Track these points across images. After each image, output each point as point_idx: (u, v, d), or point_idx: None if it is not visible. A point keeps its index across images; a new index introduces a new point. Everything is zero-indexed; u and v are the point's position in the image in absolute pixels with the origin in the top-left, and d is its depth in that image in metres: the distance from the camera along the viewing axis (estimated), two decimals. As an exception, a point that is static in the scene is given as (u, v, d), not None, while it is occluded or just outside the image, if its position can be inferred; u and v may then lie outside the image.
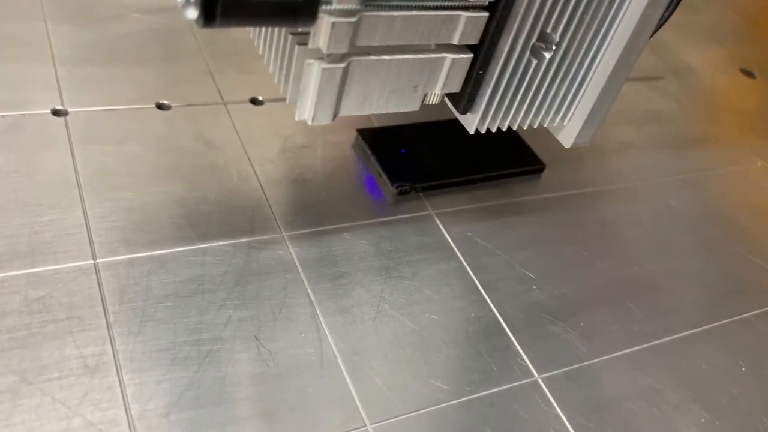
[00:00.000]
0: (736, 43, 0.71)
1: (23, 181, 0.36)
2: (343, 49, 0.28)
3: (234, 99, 0.45)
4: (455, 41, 0.31)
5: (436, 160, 0.44)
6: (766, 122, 0.60)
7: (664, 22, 0.35)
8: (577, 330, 0.38)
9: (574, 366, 0.36)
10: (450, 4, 0.29)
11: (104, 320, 0.31)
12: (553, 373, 0.35)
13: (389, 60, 0.30)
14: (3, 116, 0.39)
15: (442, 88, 0.33)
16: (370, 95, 0.32)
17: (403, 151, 0.44)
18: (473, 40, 0.31)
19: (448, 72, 0.32)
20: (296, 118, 0.31)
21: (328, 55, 0.29)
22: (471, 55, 0.32)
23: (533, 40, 0.32)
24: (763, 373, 0.39)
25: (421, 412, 0.32)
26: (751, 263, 0.45)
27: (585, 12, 0.32)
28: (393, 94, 0.32)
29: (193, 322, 0.32)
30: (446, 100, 0.34)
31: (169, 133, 0.41)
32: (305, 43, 0.29)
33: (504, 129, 0.35)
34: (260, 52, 0.34)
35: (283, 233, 0.38)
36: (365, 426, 0.31)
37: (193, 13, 0.24)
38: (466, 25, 0.30)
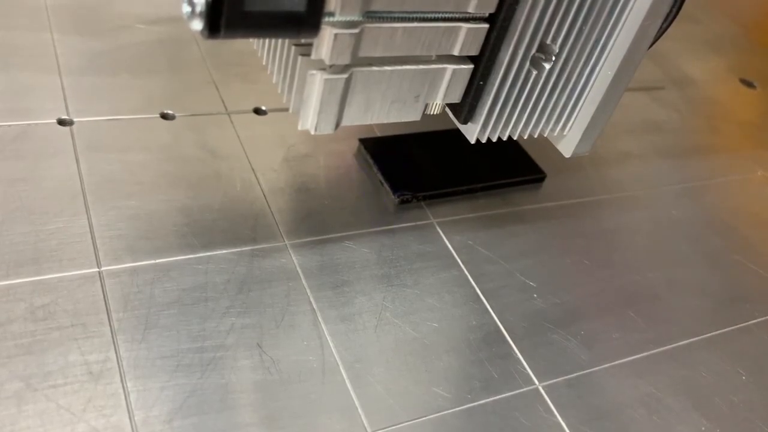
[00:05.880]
0: (736, 53, 0.72)
1: (29, 189, 0.36)
2: (345, 60, 0.29)
3: (238, 109, 0.45)
4: (456, 52, 0.31)
5: (437, 169, 0.45)
6: (766, 132, 0.61)
7: (662, 33, 0.35)
8: (578, 338, 0.38)
9: (575, 374, 0.36)
10: (451, 15, 0.30)
11: (108, 327, 0.31)
12: (554, 380, 0.35)
13: (391, 71, 0.31)
14: (9, 126, 0.39)
15: (443, 98, 0.33)
16: (372, 105, 0.32)
17: (404, 161, 0.44)
18: (474, 51, 0.31)
19: (449, 82, 0.32)
20: (299, 128, 0.32)
21: (331, 66, 0.29)
22: (471, 66, 0.32)
23: (533, 51, 0.32)
24: (763, 381, 0.39)
25: (422, 419, 0.32)
26: (752, 272, 0.46)
27: (584, 23, 0.32)
28: (395, 104, 0.32)
29: (197, 329, 0.33)
30: (447, 110, 0.35)
31: (173, 143, 0.41)
32: (308, 54, 0.29)
33: (504, 138, 0.36)
34: (264, 63, 0.34)
35: (286, 241, 0.38)
36: (367, 433, 0.31)
37: (198, 25, 0.24)
38: (467, 37, 0.30)
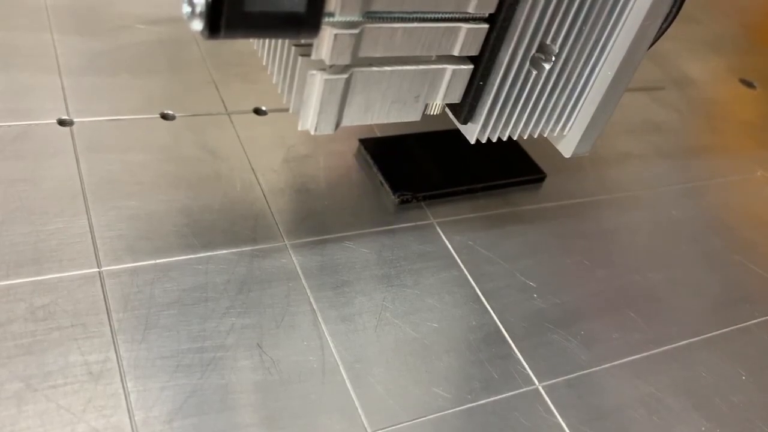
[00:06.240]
0: (736, 53, 0.72)
1: (29, 189, 0.36)
2: (345, 60, 0.29)
3: (238, 109, 0.45)
4: (456, 52, 0.31)
5: (437, 169, 0.45)
6: (766, 132, 0.61)
7: (662, 34, 0.36)
8: (578, 338, 0.38)
9: (575, 374, 0.36)
10: (450, 16, 0.30)
11: (108, 327, 0.31)
12: (554, 380, 0.35)
13: (391, 71, 0.31)
14: (9, 126, 0.39)
15: (443, 98, 0.33)
16: (372, 105, 0.32)
17: (404, 161, 0.44)
18: (473, 52, 0.31)
19: (448, 83, 0.32)
20: (299, 128, 0.32)
21: (331, 67, 0.29)
22: (471, 66, 0.32)
23: (533, 51, 0.32)
24: (763, 381, 0.39)
25: (422, 419, 0.32)
26: (752, 272, 0.46)
27: (584, 23, 0.32)
28: (395, 105, 0.32)
29: (197, 329, 0.33)
30: (447, 110, 0.35)
31: (173, 143, 0.41)
32: (308, 55, 0.29)
33: (504, 139, 0.36)
34: (264, 63, 0.34)
35: (286, 242, 0.38)
36: (367, 433, 0.31)
37: (198, 25, 0.24)
38: (467, 37, 0.30)
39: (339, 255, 0.38)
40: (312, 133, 0.31)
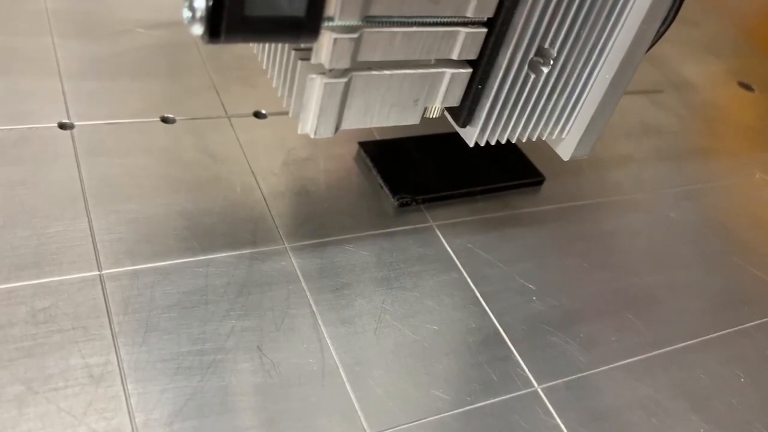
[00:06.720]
0: (735, 56, 0.72)
1: (30, 193, 0.36)
2: (344, 64, 0.29)
3: (238, 112, 0.45)
4: (454, 56, 0.31)
5: (436, 172, 0.45)
6: (764, 135, 0.61)
7: (660, 37, 0.36)
8: (577, 341, 0.38)
9: (574, 376, 0.36)
10: (449, 20, 0.30)
11: (109, 330, 0.32)
12: (553, 383, 0.36)
13: (390, 75, 0.31)
14: (10, 129, 0.39)
15: (442, 101, 0.33)
16: (372, 109, 0.32)
17: (404, 164, 0.45)
18: (472, 55, 0.32)
19: (447, 86, 0.32)
20: (299, 132, 0.32)
21: (330, 70, 0.29)
22: (470, 70, 0.32)
23: (531, 55, 0.32)
24: (762, 383, 0.39)
25: (421, 421, 0.32)
26: (750, 274, 0.46)
27: (582, 27, 0.32)
28: (394, 108, 0.33)
29: (197, 332, 0.33)
30: (446, 113, 0.35)
31: (173, 146, 0.42)
32: (308, 59, 0.29)
33: (503, 142, 0.36)
34: (264, 67, 0.35)
35: (286, 245, 0.38)
36: (366, 435, 0.31)
37: (198, 30, 0.25)
38: (465, 41, 0.31)
39: (339, 258, 0.38)
40: (312, 136, 0.31)
